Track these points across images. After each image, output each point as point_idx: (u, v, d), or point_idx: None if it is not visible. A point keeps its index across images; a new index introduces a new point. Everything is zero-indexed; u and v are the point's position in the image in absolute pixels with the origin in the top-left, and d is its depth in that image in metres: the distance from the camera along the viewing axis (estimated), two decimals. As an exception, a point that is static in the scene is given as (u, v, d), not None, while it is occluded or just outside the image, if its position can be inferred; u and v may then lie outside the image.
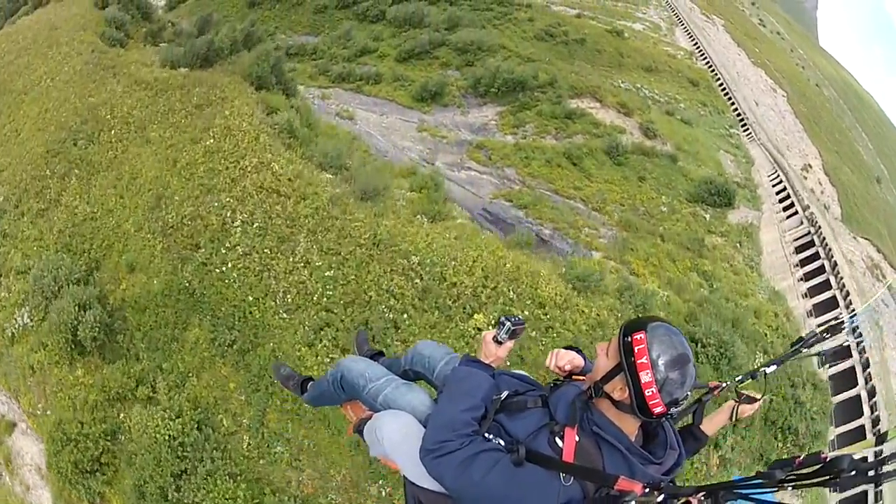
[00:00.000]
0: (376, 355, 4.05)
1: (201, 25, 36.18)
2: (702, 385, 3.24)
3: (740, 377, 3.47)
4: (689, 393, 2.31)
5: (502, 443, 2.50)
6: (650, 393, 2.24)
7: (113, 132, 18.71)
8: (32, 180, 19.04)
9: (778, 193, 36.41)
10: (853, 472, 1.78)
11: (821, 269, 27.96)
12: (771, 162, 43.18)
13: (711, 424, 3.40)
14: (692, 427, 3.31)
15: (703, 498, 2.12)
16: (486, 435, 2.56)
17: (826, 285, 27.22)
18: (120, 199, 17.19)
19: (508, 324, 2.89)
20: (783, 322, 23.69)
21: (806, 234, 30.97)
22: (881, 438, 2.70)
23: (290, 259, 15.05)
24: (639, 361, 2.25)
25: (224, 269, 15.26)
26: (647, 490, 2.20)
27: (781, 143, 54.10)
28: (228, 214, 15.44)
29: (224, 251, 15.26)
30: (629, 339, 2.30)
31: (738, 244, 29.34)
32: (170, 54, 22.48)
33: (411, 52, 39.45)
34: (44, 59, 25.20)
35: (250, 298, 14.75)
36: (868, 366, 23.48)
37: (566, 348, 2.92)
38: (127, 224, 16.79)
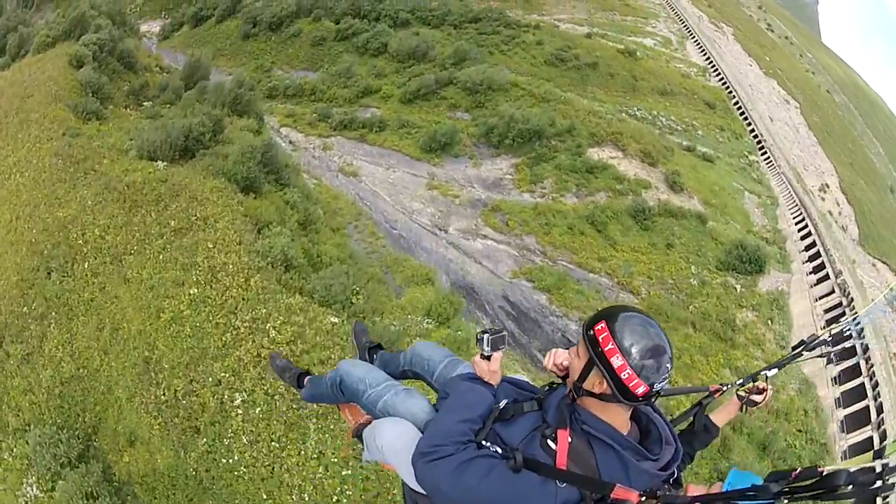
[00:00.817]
0: (374, 348, 3.94)
1: (190, 72, 32.99)
2: (703, 388, 3.28)
3: (741, 380, 3.28)
4: (667, 375, 2.26)
5: (499, 450, 2.43)
6: (626, 375, 2.21)
7: (87, 264, 15.89)
8: (12, 316, 16.58)
9: (807, 249, 33.56)
10: (850, 486, 1.78)
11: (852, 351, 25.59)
12: (795, 200, 40.40)
13: (722, 416, 3.28)
14: (704, 420, 3.18)
15: None
16: (483, 442, 2.48)
17: (856, 371, 24.89)
18: (104, 355, 14.52)
19: (486, 336, 2.79)
20: (811, 422, 22.62)
21: (837, 305, 28.38)
22: (879, 454, 2.45)
23: (302, 451, 12.31)
24: (606, 349, 2.24)
25: (231, 459, 12.59)
26: (643, 498, 2.16)
27: (798, 163, 52.03)
28: (226, 395, 12.61)
29: (227, 440, 12.56)
30: (591, 332, 2.30)
31: (769, 321, 26.85)
32: (146, 143, 19.40)
33: (417, 92, 36.20)
34: (14, 144, 22.17)
35: (263, 495, 12.15)
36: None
37: (565, 347, 2.80)
38: (118, 390, 14.16)
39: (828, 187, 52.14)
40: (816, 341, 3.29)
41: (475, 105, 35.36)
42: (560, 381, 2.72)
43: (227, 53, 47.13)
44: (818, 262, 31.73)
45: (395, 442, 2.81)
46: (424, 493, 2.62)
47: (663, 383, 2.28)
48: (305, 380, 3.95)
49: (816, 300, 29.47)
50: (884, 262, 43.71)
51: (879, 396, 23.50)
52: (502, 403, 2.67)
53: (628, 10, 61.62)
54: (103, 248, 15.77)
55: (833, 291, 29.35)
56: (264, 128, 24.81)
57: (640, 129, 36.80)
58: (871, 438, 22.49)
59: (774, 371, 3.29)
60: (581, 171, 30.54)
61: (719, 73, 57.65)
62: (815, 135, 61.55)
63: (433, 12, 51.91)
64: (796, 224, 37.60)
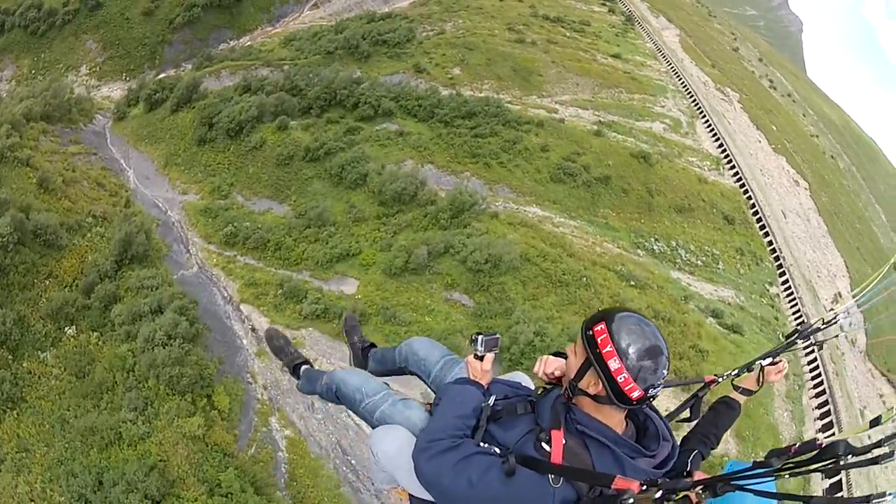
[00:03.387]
0: (368, 348, 3.76)
1: (122, 248, 24.89)
2: (698, 379, 3.21)
3: (736, 370, 3.25)
4: (664, 377, 2.22)
5: (496, 450, 2.41)
6: (622, 379, 2.17)
7: None
8: None
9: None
10: (849, 456, 1.76)
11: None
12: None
13: (743, 384, 3.22)
14: (726, 398, 3.15)
15: (700, 491, 2.06)
16: (480, 444, 2.45)
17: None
18: None
19: (481, 337, 2.82)
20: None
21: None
22: (875, 422, 2.27)
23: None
24: (604, 351, 2.20)
25: None
26: (644, 487, 2.07)
27: (812, 270, 47.85)
28: None
29: None
30: (590, 332, 2.26)
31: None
32: None
33: (405, 267, 28.34)
34: None
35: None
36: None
37: (555, 355, 2.82)
38: None
39: (840, 296, 48.43)
40: (810, 330, 3.22)
41: (477, 287, 27.68)
42: (550, 387, 2.66)
43: (180, 163, 38.22)
44: None
45: (389, 448, 2.73)
46: (427, 499, 2.57)
47: (659, 387, 2.22)
48: (302, 370, 3.75)
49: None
50: (889, 381, 42.16)
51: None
52: (492, 400, 2.63)
53: (634, 86, 53.80)
54: None
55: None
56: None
57: (665, 306, 29.69)
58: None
59: (769, 360, 3.17)
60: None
61: (732, 164, 51.00)
62: (825, 221, 57.20)
63: (420, 102, 43.51)
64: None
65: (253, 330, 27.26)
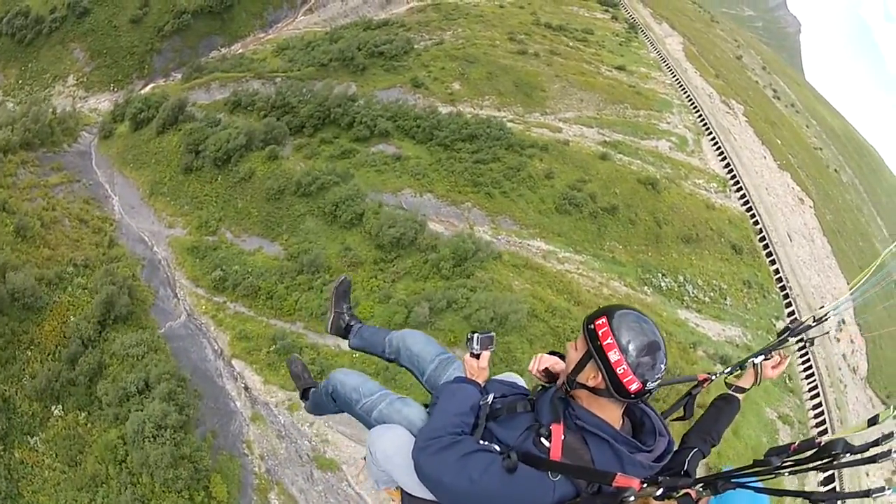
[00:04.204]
0: (352, 322, 3.59)
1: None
2: (691, 377, 3.17)
3: (729, 368, 3.21)
4: (661, 373, 2.23)
5: (496, 447, 2.40)
6: (622, 370, 2.18)
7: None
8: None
9: None
10: (848, 455, 1.76)
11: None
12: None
13: (737, 382, 3.15)
14: (726, 394, 3.10)
15: (700, 489, 2.06)
16: (480, 441, 2.44)
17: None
18: None
19: (476, 336, 2.82)
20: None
21: None
22: (873, 421, 2.23)
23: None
24: (605, 343, 2.22)
25: None
26: (644, 485, 2.10)
27: (816, 295, 45.99)
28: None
29: None
30: (592, 325, 2.28)
31: None
32: None
33: (405, 323, 26.36)
34: None
35: None
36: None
37: (549, 353, 2.86)
38: None
39: (844, 322, 47.20)
40: (801, 327, 3.17)
41: (481, 345, 25.72)
42: (547, 385, 2.68)
43: (166, 192, 35.86)
44: None
45: (387, 446, 2.68)
46: (424, 497, 2.55)
47: (656, 382, 2.24)
48: (310, 392, 3.67)
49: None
50: (884, 403, 41.55)
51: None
52: (490, 398, 2.62)
53: (640, 101, 51.53)
54: None
55: None
56: None
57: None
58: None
59: (761, 358, 3.12)
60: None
61: (739, 185, 49.20)
62: (829, 241, 55.94)
63: (419, 122, 41.18)
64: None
65: (246, 389, 25.42)
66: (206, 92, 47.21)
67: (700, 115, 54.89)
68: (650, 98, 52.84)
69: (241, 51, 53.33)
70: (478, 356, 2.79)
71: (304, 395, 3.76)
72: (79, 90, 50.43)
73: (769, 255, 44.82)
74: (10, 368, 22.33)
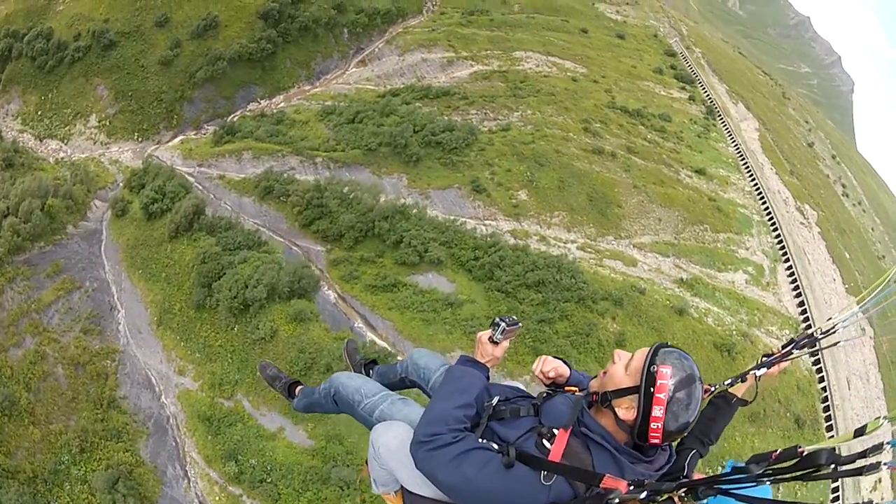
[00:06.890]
0: (370, 364, 3.57)
1: None
2: None
3: (730, 380, 2.99)
4: (690, 420, 2.10)
5: (495, 446, 2.29)
6: (655, 427, 2.09)
7: None
8: None
9: None
10: (832, 466, 1.68)
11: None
12: None
13: (739, 390, 2.98)
14: (724, 393, 2.94)
15: (683, 494, 2.01)
16: (481, 440, 2.32)
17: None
18: None
19: (503, 324, 2.60)
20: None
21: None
22: (860, 432, 2.15)
23: None
24: (657, 395, 2.07)
25: None
26: (631, 487, 2.02)
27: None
28: None
29: None
30: (655, 368, 2.11)
31: None
32: None
33: None
34: None
35: None
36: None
37: (554, 357, 2.70)
38: None
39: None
40: (805, 340, 3.03)
41: None
42: (547, 388, 2.59)
43: (176, 327, 29.13)
44: None
45: (390, 442, 2.57)
46: (425, 496, 2.46)
47: (684, 428, 2.13)
48: (297, 390, 3.57)
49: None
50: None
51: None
52: (495, 400, 2.48)
53: (720, 222, 44.07)
54: None
55: None
56: None
57: None
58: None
59: (763, 370, 2.99)
60: None
61: (811, 334, 42.17)
62: (882, 376, 49.02)
63: (477, 255, 33.98)
64: None
65: None
66: (237, 162, 39.82)
67: (778, 235, 47.54)
68: (730, 216, 45.43)
69: (282, 104, 45.44)
70: (497, 343, 2.59)
71: (290, 394, 3.57)
72: (101, 134, 43.01)
73: (830, 428, 38.37)
74: None
